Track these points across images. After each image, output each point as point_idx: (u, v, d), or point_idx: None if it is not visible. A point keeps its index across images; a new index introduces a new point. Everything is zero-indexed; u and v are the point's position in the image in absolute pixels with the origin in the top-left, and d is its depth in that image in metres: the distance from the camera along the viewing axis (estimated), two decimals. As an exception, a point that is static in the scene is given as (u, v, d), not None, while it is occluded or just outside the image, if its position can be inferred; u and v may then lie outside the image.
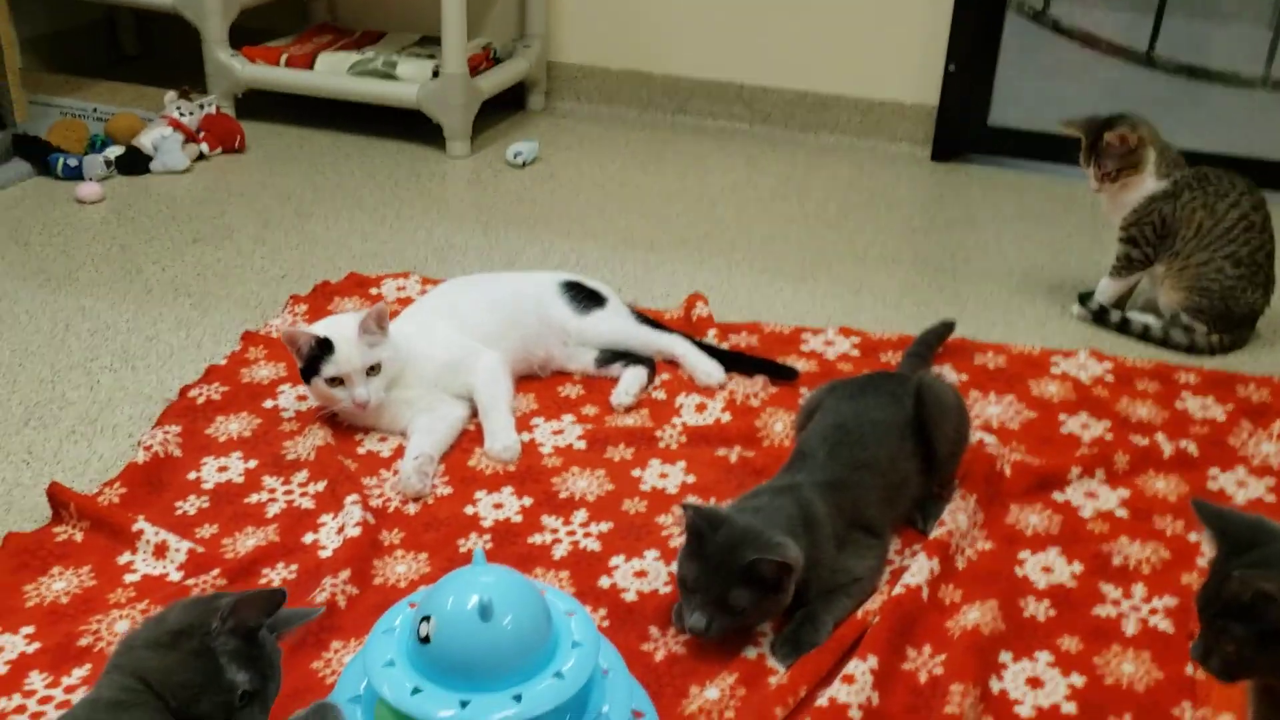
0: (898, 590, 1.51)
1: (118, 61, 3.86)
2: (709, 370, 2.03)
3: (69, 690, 1.36)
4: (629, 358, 2.04)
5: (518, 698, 1.13)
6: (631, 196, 2.98)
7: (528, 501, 1.73)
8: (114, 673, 1.12)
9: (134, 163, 2.95)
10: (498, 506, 1.72)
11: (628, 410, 1.96)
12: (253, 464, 1.80)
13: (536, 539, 1.66)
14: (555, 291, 2.07)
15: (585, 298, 2.08)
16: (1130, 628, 1.51)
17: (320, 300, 2.31)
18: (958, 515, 1.65)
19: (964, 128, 3.27)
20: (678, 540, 1.64)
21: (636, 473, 1.81)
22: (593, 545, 1.64)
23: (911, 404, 1.65)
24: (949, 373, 2.09)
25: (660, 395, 2.01)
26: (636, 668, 1.39)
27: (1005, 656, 1.46)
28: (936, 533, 1.62)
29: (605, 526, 1.68)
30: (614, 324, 2.07)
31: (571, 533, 1.67)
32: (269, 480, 1.77)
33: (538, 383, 2.04)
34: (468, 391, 1.92)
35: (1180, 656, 1.45)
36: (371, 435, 1.89)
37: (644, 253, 2.63)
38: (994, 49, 3.22)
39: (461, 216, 2.82)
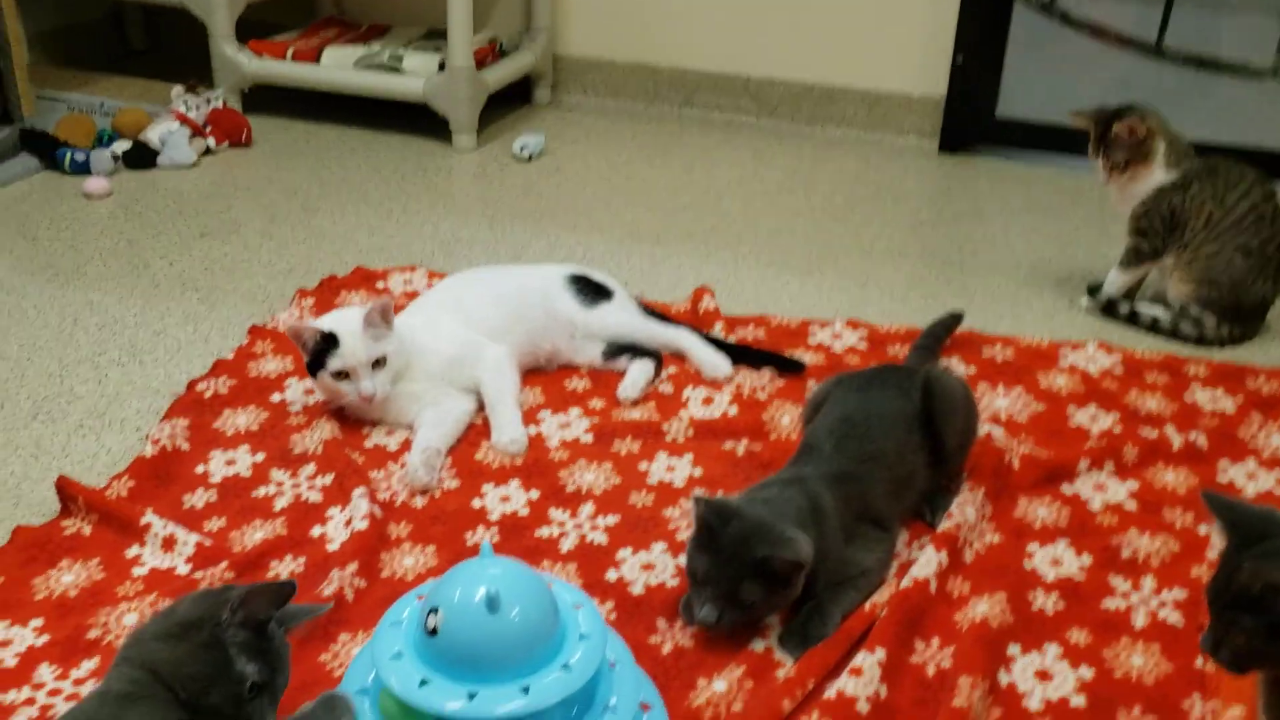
0: (905, 583, 1.50)
1: (125, 56, 3.86)
2: (716, 363, 2.02)
3: (78, 683, 1.36)
4: (636, 351, 2.04)
5: (525, 690, 1.13)
6: (638, 190, 2.97)
7: (535, 494, 1.73)
8: (123, 665, 1.12)
9: (141, 157, 2.95)
10: (505, 500, 1.72)
11: (634, 403, 1.96)
12: (260, 457, 1.80)
13: (543, 532, 1.65)
14: (562, 285, 2.07)
15: (592, 291, 2.08)
16: (1140, 620, 1.51)
17: (327, 294, 2.31)
18: (966, 508, 1.65)
19: (972, 120, 3.26)
20: (685, 533, 1.64)
21: (644, 466, 1.80)
22: (600, 538, 1.64)
23: (919, 397, 1.64)
24: (957, 365, 2.09)
25: (667, 388, 2.00)
26: (643, 660, 1.39)
27: (1014, 649, 1.45)
28: (944, 525, 1.61)
29: (612, 519, 1.68)
30: (620, 317, 2.07)
31: (579, 526, 1.67)
32: (276, 473, 1.77)
33: (544, 376, 2.04)
34: (474, 385, 1.92)
35: (1190, 649, 1.45)
36: (378, 429, 1.89)
37: (650, 246, 2.62)
38: (1002, 40, 3.21)
39: (468, 210, 2.82)
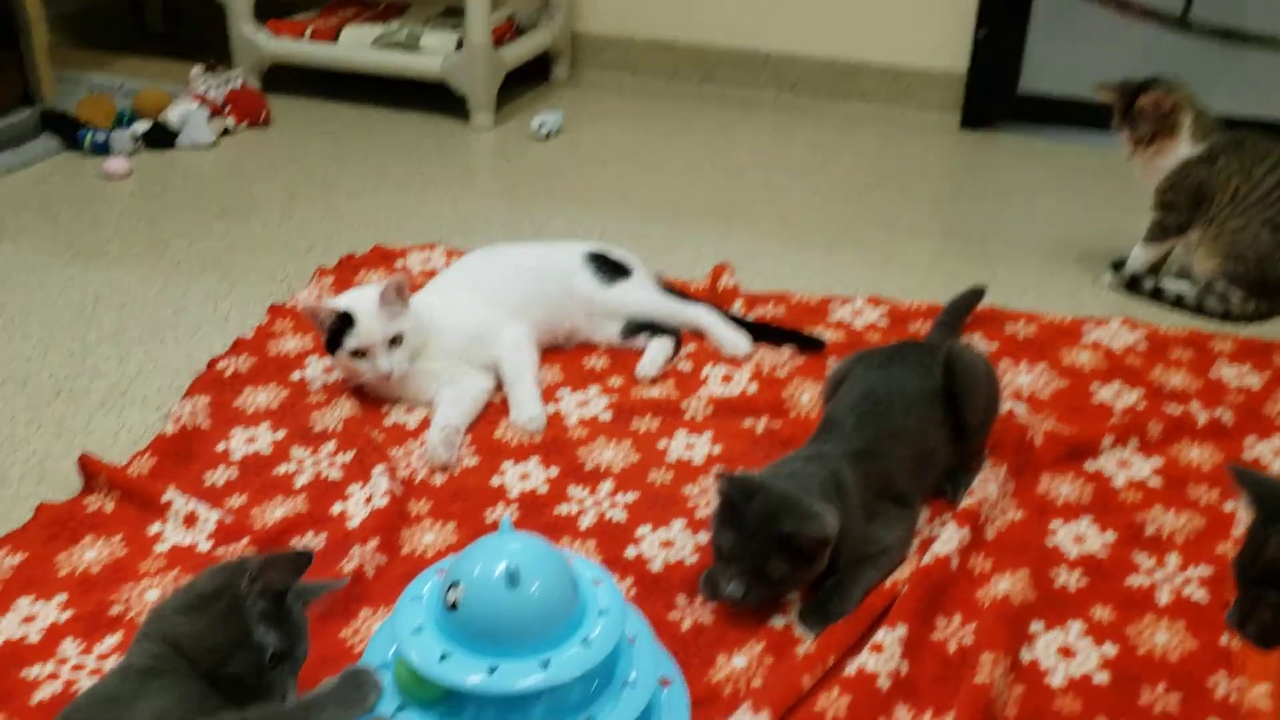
0: (927, 560, 1.50)
1: (144, 37, 3.87)
2: (735, 341, 2.01)
3: (101, 658, 1.37)
4: (654, 329, 2.03)
5: (545, 664, 1.13)
6: (657, 167, 2.96)
7: (554, 472, 1.73)
8: (144, 641, 1.13)
9: (161, 138, 2.96)
10: (524, 477, 1.72)
11: (653, 381, 1.95)
12: (281, 435, 1.81)
13: (563, 509, 1.65)
14: (580, 262, 2.06)
15: (610, 269, 2.07)
16: (1164, 597, 1.49)
17: (346, 273, 2.31)
18: (988, 485, 1.64)
19: (994, 95, 3.22)
20: (704, 511, 1.64)
21: (663, 444, 1.80)
22: (619, 515, 1.64)
23: (941, 373, 1.63)
24: (979, 342, 2.07)
25: (686, 366, 2.00)
26: (663, 637, 1.39)
27: (1036, 626, 1.44)
28: (966, 502, 1.60)
29: (631, 497, 1.68)
30: (639, 295, 2.06)
31: (598, 503, 1.67)
32: (297, 451, 1.77)
33: (563, 354, 2.03)
34: (493, 363, 1.91)
35: (1215, 626, 1.43)
36: (398, 407, 1.89)
37: (670, 223, 2.61)
38: (1024, 14, 3.17)
39: (486, 188, 2.82)
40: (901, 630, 1.38)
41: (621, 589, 1.43)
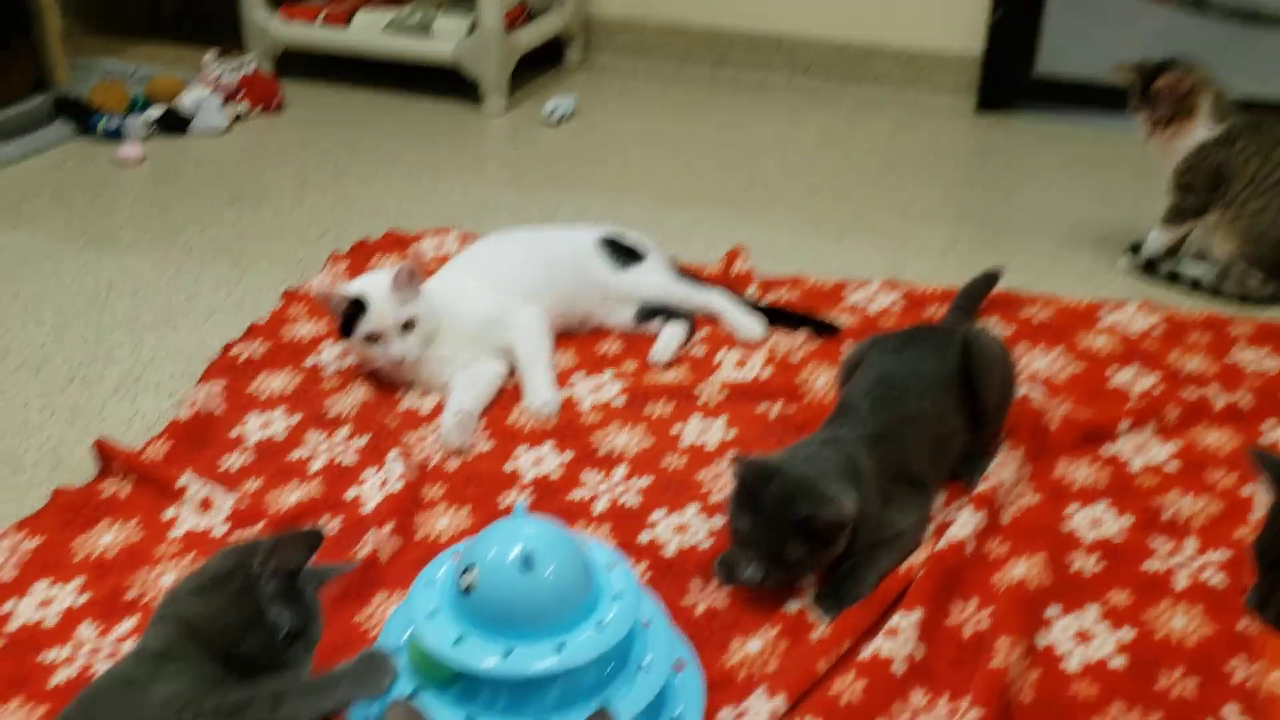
0: (943, 544, 1.49)
1: (158, 23, 3.86)
2: (750, 325, 2.01)
3: (118, 641, 1.38)
4: (668, 313, 2.02)
5: (559, 648, 1.13)
6: (670, 151, 2.95)
7: (568, 457, 1.73)
8: (159, 624, 1.13)
9: (174, 124, 2.96)
10: (538, 462, 1.72)
11: (667, 366, 1.95)
12: (295, 420, 1.81)
13: (577, 494, 1.65)
14: (594, 247, 2.05)
15: (624, 253, 2.06)
16: (1181, 582, 1.48)
17: (359, 258, 2.31)
18: (1004, 469, 1.63)
19: (1009, 78, 3.19)
20: (718, 496, 1.63)
21: (676, 429, 1.79)
22: (633, 500, 1.64)
23: (957, 357, 1.62)
24: (995, 325, 2.06)
25: (700, 351, 1.99)
26: (677, 621, 1.39)
27: (1053, 611, 1.44)
28: (982, 487, 1.60)
29: (645, 482, 1.67)
30: (653, 280, 2.06)
31: (612, 488, 1.66)
32: (312, 436, 1.78)
33: (576, 339, 2.03)
34: (506, 348, 1.91)
35: (1233, 611, 1.42)
36: (412, 392, 1.89)
37: (683, 207, 2.60)
38: (1040, -4, 3.14)
39: (499, 173, 2.81)
40: (917, 614, 1.38)
41: (636, 573, 1.43)
